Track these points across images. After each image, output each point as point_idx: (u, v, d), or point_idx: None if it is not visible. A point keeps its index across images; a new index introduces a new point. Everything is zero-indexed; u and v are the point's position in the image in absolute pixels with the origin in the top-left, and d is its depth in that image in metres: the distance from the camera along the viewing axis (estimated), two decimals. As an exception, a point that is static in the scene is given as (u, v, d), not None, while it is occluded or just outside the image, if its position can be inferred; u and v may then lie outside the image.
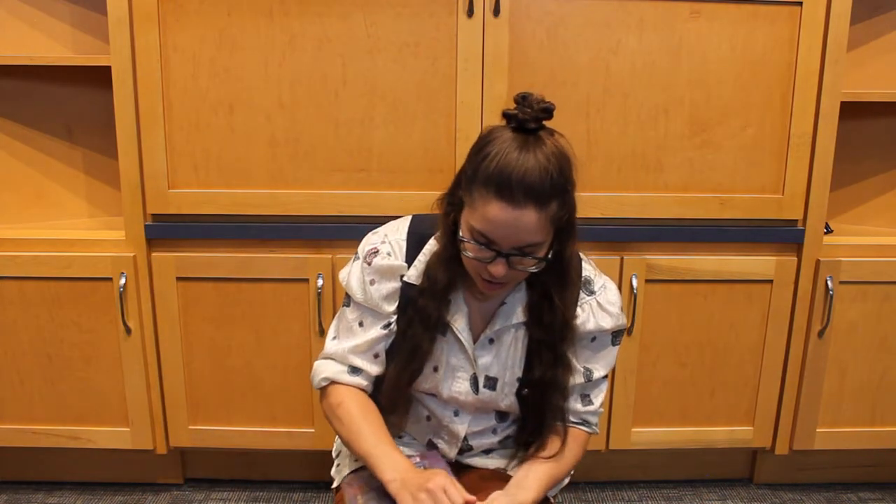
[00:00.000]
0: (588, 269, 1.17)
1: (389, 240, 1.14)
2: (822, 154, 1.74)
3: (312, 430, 1.86)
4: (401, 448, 1.13)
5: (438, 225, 1.10)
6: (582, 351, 1.17)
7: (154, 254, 1.75)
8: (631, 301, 1.78)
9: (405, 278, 1.12)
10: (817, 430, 1.90)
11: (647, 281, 1.79)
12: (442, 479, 1.01)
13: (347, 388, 1.15)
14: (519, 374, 1.15)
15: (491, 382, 1.15)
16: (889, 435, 1.92)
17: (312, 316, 1.77)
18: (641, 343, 1.83)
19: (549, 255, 1.03)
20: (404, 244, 1.13)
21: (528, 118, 0.99)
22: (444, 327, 1.13)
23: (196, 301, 1.77)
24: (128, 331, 1.77)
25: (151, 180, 1.70)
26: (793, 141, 1.73)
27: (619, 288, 1.76)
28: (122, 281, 1.73)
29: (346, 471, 1.20)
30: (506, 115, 1.02)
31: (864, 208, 2.05)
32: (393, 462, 1.06)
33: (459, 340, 1.14)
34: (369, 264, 1.13)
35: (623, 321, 1.18)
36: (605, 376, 1.19)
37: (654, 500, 1.96)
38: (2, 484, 1.96)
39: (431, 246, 1.12)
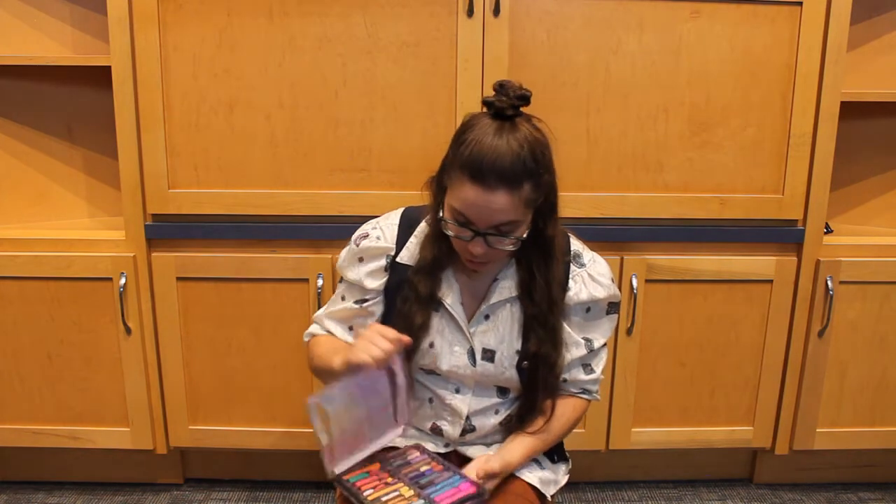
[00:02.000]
0: (577, 244, 1.24)
1: (380, 225, 1.23)
2: (822, 154, 1.74)
3: (312, 430, 1.85)
4: (398, 439, 1.18)
5: (429, 206, 1.17)
6: (579, 322, 1.22)
7: (154, 254, 1.75)
8: (631, 301, 1.78)
9: (399, 259, 1.19)
10: (817, 430, 1.90)
11: (647, 281, 1.79)
12: (376, 325, 1.07)
13: (322, 334, 1.27)
14: (517, 347, 1.19)
15: (489, 355, 1.19)
16: (889, 435, 1.92)
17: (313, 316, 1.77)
18: (641, 343, 1.83)
19: (526, 235, 1.09)
20: (396, 229, 1.22)
21: (506, 105, 1.05)
22: (437, 304, 1.19)
23: (196, 301, 1.77)
24: (128, 331, 1.77)
25: (151, 180, 1.70)
26: (793, 141, 1.73)
27: (619, 288, 1.77)
28: (122, 281, 1.73)
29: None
30: (485, 102, 1.08)
31: (864, 208, 2.05)
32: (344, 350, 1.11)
33: (454, 317, 1.19)
34: (357, 245, 1.22)
35: (616, 292, 1.23)
36: (605, 345, 1.25)
37: (654, 500, 1.96)
38: (2, 484, 1.97)
39: (422, 228, 1.19)
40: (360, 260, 1.22)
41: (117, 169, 1.71)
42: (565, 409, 1.24)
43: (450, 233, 1.09)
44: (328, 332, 1.26)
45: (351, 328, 1.24)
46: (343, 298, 1.25)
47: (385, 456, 1.15)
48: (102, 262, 1.74)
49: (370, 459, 1.13)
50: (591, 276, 1.21)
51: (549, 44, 1.66)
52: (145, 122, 1.67)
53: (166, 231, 1.74)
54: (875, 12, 1.92)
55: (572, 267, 1.21)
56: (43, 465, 1.95)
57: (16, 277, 1.74)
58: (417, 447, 1.17)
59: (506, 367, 1.19)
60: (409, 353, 1.17)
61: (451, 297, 1.19)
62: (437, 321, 1.19)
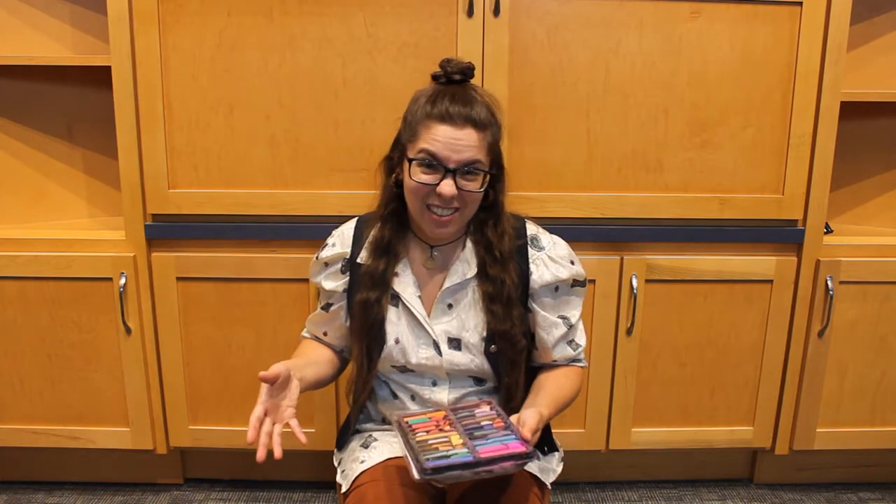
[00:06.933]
0: (533, 228, 1.26)
1: (336, 233, 1.31)
2: (822, 154, 1.74)
3: (312, 430, 1.85)
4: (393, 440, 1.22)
5: (381, 191, 1.24)
6: (550, 303, 1.24)
7: (154, 254, 1.75)
8: (631, 301, 1.78)
9: (358, 260, 1.24)
10: (817, 430, 1.90)
11: (647, 281, 1.79)
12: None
13: (307, 337, 1.39)
14: (483, 333, 1.20)
15: (455, 343, 1.22)
16: (889, 435, 1.92)
17: (312, 316, 1.77)
18: (641, 343, 1.83)
19: (486, 185, 1.15)
20: (351, 232, 1.28)
21: (454, 70, 1.17)
22: (396, 299, 1.22)
23: (196, 301, 1.77)
24: (128, 331, 1.77)
25: (151, 180, 1.70)
26: (793, 141, 1.73)
27: (619, 288, 1.77)
28: (122, 281, 1.73)
29: (355, 473, 1.20)
30: (434, 76, 1.19)
31: (864, 208, 2.05)
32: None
33: (413, 312, 1.21)
34: (318, 258, 1.31)
35: (579, 270, 1.25)
36: (580, 318, 1.28)
37: (654, 500, 1.96)
38: (2, 484, 1.97)
39: (377, 227, 1.25)
40: (326, 265, 1.29)
41: (117, 169, 1.71)
42: (567, 372, 1.26)
43: (418, 179, 1.12)
44: (313, 334, 1.37)
45: (325, 333, 1.33)
46: (320, 304, 1.33)
47: (455, 407, 1.17)
48: (102, 262, 1.74)
49: (439, 409, 1.17)
50: (550, 258, 1.23)
51: (549, 44, 1.66)
52: (145, 122, 1.67)
53: (166, 231, 1.74)
54: (875, 12, 1.92)
55: (531, 251, 1.23)
56: (43, 465, 1.95)
57: (16, 277, 1.74)
58: (489, 403, 1.16)
59: (474, 354, 1.21)
60: (377, 353, 1.22)
61: (408, 291, 1.22)
62: (398, 317, 1.22)
